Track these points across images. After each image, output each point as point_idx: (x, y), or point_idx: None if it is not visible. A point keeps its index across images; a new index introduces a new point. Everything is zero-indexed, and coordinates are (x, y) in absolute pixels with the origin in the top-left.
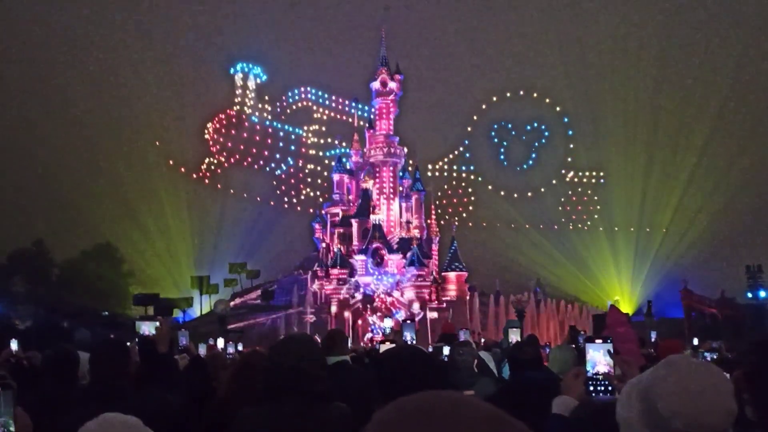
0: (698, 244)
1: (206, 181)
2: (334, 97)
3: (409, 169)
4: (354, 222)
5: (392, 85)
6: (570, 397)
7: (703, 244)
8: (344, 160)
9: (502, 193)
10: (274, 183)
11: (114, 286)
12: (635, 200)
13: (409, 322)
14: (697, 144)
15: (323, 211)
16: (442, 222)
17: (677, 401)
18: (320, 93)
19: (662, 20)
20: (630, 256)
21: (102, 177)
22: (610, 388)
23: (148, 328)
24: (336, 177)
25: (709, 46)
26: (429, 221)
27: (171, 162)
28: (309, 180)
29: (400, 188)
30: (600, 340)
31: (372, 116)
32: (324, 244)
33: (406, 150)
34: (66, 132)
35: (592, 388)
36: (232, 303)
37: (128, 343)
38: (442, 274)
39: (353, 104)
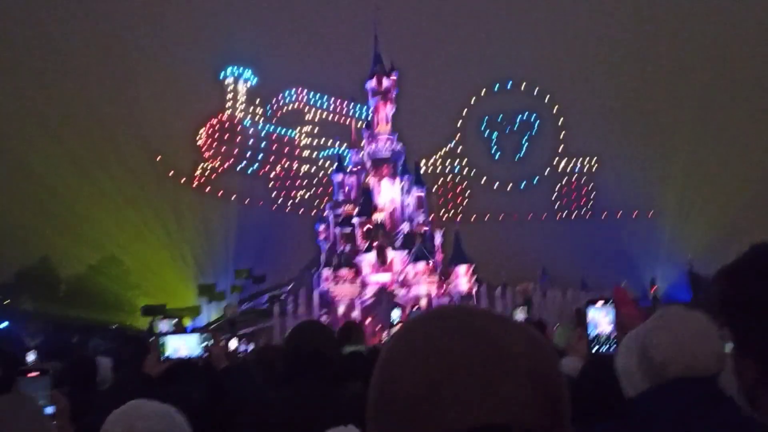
0: (705, 224)
1: (205, 188)
2: (329, 98)
3: (410, 165)
4: (356, 222)
5: (388, 83)
6: (576, 357)
7: (711, 225)
8: (344, 160)
9: (496, 185)
10: (276, 185)
11: (121, 298)
12: (636, 183)
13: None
14: (694, 120)
15: (325, 212)
16: (444, 217)
17: (671, 349)
18: (314, 94)
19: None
20: (635, 240)
21: (104, 190)
22: (612, 347)
23: (165, 326)
24: (337, 177)
25: (697, 26)
26: (431, 217)
27: (171, 172)
28: (310, 181)
29: (402, 185)
30: (601, 302)
31: (369, 115)
32: (328, 246)
33: (405, 147)
34: (64, 146)
35: (595, 348)
36: (239, 310)
37: (150, 340)
38: (448, 268)
39: (350, 104)
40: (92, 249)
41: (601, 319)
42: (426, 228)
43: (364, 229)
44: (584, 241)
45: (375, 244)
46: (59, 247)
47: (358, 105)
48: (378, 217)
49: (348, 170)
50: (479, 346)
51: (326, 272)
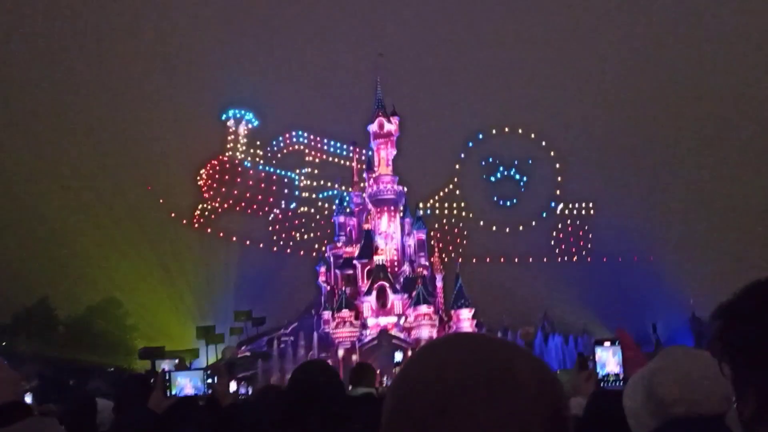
0: (704, 267)
1: (206, 229)
2: (329, 141)
3: (412, 207)
4: (357, 263)
5: (390, 127)
6: (583, 397)
7: (710, 267)
8: (345, 202)
9: (494, 227)
10: (276, 227)
11: (119, 341)
12: (633, 228)
13: None
14: (689, 166)
15: (327, 254)
16: (445, 258)
17: (677, 388)
18: (315, 137)
19: (638, 50)
20: (635, 284)
21: (105, 232)
22: (620, 384)
23: (167, 366)
24: (338, 219)
25: (691, 72)
26: (432, 259)
27: (173, 214)
28: (310, 223)
29: (403, 227)
30: (608, 343)
31: (371, 158)
32: (329, 287)
33: (405, 189)
34: (65, 187)
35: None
36: (239, 353)
37: (155, 377)
38: (450, 311)
39: (350, 147)
40: (92, 290)
41: (609, 358)
42: (427, 270)
43: (365, 271)
44: (585, 285)
45: (376, 286)
46: (59, 287)
47: (359, 148)
48: (379, 259)
49: (349, 212)
50: (488, 367)
51: (326, 314)
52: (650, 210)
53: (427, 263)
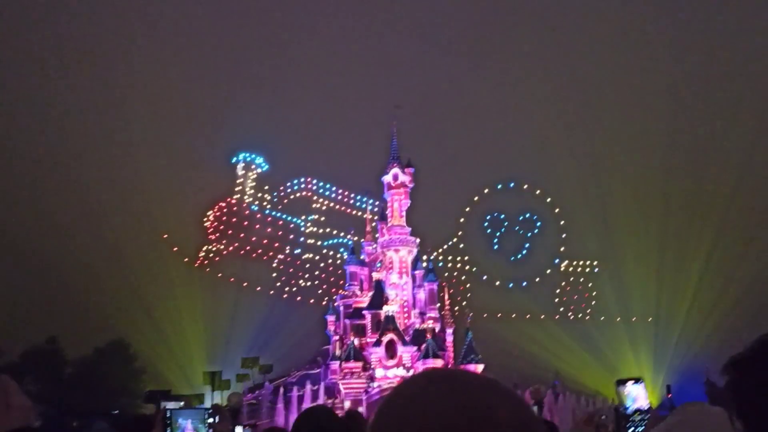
0: (718, 331)
1: (206, 269)
2: (337, 189)
3: (423, 258)
4: (367, 314)
5: (404, 178)
6: None
7: (724, 331)
8: (357, 251)
9: (497, 283)
10: (284, 277)
11: (125, 383)
12: (650, 289)
13: None
14: (707, 233)
15: (336, 303)
16: (456, 312)
17: None
18: (327, 185)
19: (645, 110)
20: (649, 347)
21: (115, 272)
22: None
23: (171, 406)
24: (349, 268)
25: (693, 131)
26: (443, 312)
27: (186, 260)
28: (321, 270)
29: (414, 278)
30: (631, 381)
31: (383, 208)
32: (337, 337)
33: (418, 241)
34: (77, 226)
35: (631, 428)
36: (244, 400)
37: (155, 413)
38: (459, 366)
39: (363, 198)
40: (101, 331)
41: (639, 392)
42: (437, 323)
43: (375, 321)
44: (595, 344)
45: (385, 338)
46: (68, 327)
47: (367, 199)
48: (389, 310)
49: (360, 261)
50: (465, 408)
51: (334, 364)
52: (652, 272)
53: (437, 316)
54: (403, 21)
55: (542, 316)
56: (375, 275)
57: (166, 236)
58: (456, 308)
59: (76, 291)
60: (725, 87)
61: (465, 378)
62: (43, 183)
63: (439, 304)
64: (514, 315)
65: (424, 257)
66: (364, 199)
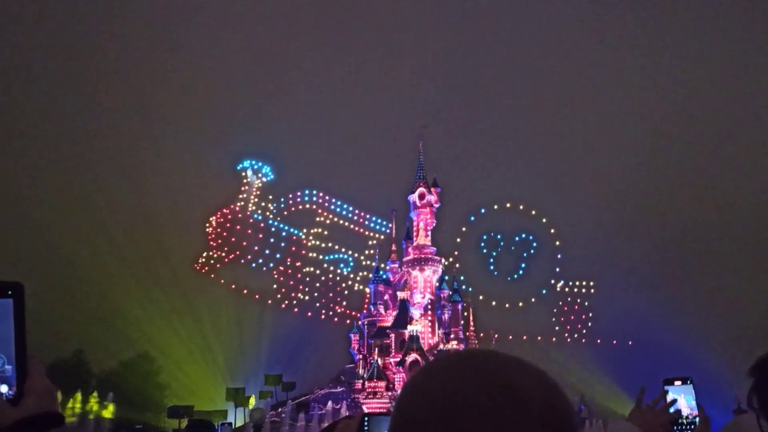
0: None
1: (207, 275)
2: (356, 210)
3: (446, 278)
4: (391, 333)
5: (430, 197)
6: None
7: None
8: (381, 270)
9: (494, 303)
10: (315, 293)
11: (149, 397)
12: (633, 310)
13: None
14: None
15: (360, 322)
16: (481, 334)
17: None
18: (339, 202)
19: (643, 131)
20: (676, 370)
21: (142, 285)
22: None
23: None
24: (373, 287)
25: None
26: (468, 333)
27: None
28: (345, 291)
29: (438, 298)
30: (679, 382)
31: (409, 227)
32: (360, 356)
33: (444, 261)
34: (105, 242)
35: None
36: (266, 417)
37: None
38: None
39: (390, 216)
40: (127, 344)
41: (682, 395)
42: (461, 344)
43: (399, 341)
44: (621, 368)
45: (409, 357)
46: (95, 340)
47: (381, 220)
48: (412, 329)
49: (385, 280)
50: (492, 387)
51: (358, 383)
52: (650, 295)
53: (462, 336)
54: (427, 40)
55: (567, 339)
56: (399, 294)
57: (200, 265)
58: (481, 333)
59: (102, 304)
60: (728, 108)
61: (494, 357)
62: (68, 198)
63: (463, 323)
64: (539, 337)
65: (459, 277)
66: (378, 220)
